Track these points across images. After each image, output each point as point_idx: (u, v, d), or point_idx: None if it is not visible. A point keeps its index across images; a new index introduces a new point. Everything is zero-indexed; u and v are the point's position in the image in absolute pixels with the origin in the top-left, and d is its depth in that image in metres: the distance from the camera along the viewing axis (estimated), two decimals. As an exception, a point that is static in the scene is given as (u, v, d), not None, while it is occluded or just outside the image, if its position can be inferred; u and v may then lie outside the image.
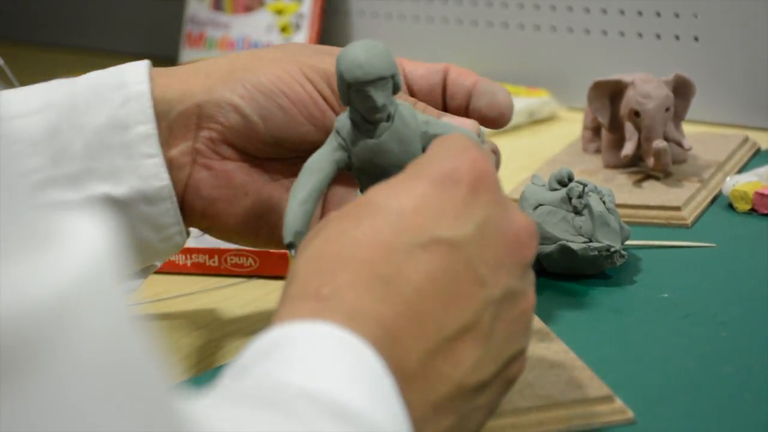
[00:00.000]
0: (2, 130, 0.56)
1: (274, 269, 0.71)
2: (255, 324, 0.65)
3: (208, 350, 0.62)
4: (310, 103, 0.57)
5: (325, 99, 0.57)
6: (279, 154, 0.58)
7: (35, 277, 0.25)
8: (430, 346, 0.40)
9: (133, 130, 0.56)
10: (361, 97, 0.51)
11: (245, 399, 0.35)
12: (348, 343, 0.38)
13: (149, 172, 0.56)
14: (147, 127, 0.56)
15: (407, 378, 0.39)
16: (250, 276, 0.72)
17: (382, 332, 0.39)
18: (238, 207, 0.59)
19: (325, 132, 0.55)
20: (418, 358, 0.39)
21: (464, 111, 0.60)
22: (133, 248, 0.58)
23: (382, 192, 0.43)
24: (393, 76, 0.52)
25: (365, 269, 0.40)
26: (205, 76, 0.58)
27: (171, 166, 0.57)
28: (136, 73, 0.57)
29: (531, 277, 0.44)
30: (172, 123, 0.57)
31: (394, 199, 0.42)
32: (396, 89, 0.52)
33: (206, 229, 0.60)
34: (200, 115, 0.57)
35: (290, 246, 0.52)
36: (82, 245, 0.27)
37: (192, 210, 0.58)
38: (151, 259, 0.59)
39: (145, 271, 0.60)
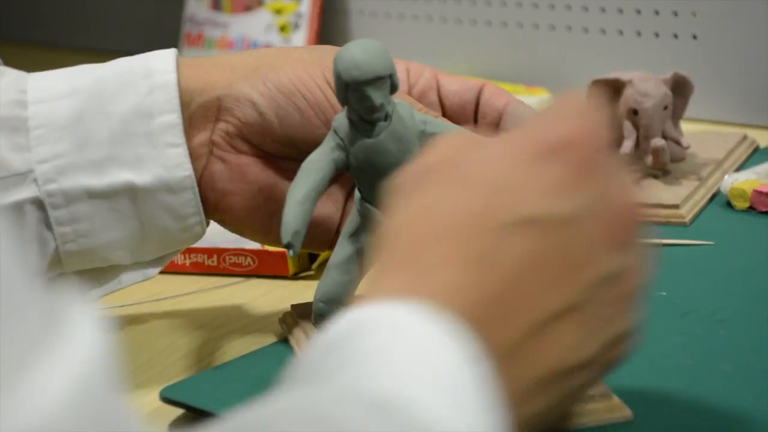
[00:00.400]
0: (30, 113, 0.57)
1: (272, 269, 0.71)
2: (254, 323, 0.65)
3: (207, 349, 0.62)
4: (327, 108, 0.57)
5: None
6: (293, 153, 0.58)
7: (29, 403, 0.26)
8: (531, 322, 0.38)
9: (159, 119, 0.57)
10: (358, 97, 0.51)
11: (310, 412, 0.34)
12: (440, 327, 0.36)
13: (173, 161, 0.57)
14: (172, 117, 0.57)
15: (505, 355, 0.38)
16: (248, 275, 0.72)
17: (483, 306, 0.38)
18: (250, 201, 0.59)
19: None
20: (520, 332, 0.38)
21: (495, 131, 0.59)
22: (153, 237, 0.58)
23: (481, 155, 0.41)
24: (391, 76, 0.52)
25: (459, 245, 0.39)
26: (230, 70, 0.58)
27: (189, 156, 0.57)
28: (163, 62, 0.57)
29: (636, 255, 0.42)
30: (193, 114, 0.58)
31: (491, 169, 0.40)
32: (394, 89, 0.52)
33: (219, 222, 0.61)
34: (220, 108, 0.58)
35: (289, 246, 0.52)
36: (79, 356, 0.27)
37: (205, 202, 0.59)
38: (170, 248, 0.60)
39: (163, 259, 0.61)
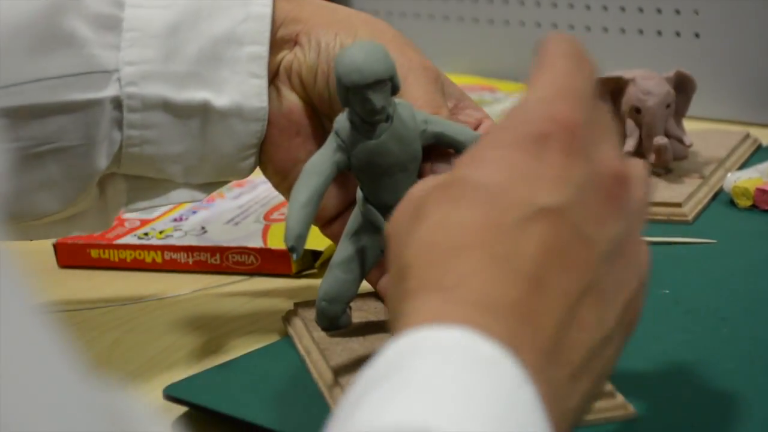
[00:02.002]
0: (126, 15, 0.59)
1: (275, 267, 0.71)
2: (257, 322, 0.65)
3: (210, 348, 0.62)
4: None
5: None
6: (331, 114, 0.59)
7: None
8: (561, 317, 0.38)
9: (248, 48, 0.59)
10: (359, 100, 0.51)
11: None
12: (478, 358, 0.36)
13: (252, 91, 0.59)
14: (260, 49, 0.59)
15: (546, 354, 0.38)
16: (251, 274, 0.72)
17: (517, 315, 0.37)
18: (286, 142, 0.61)
19: None
20: (553, 332, 0.38)
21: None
22: (212, 160, 0.60)
23: (470, 166, 0.41)
24: (392, 78, 0.52)
25: (481, 253, 0.39)
26: (319, 12, 0.60)
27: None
28: None
29: (631, 217, 0.42)
30: (272, 42, 0.59)
31: (487, 175, 0.40)
32: (395, 90, 0.52)
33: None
34: (295, 42, 0.60)
35: (292, 250, 0.52)
36: None
37: None
38: (223, 175, 0.61)
39: (212, 186, 0.62)
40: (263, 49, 0.59)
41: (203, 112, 0.58)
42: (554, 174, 0.40)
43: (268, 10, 0.59)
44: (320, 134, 0.60)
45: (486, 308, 0.37)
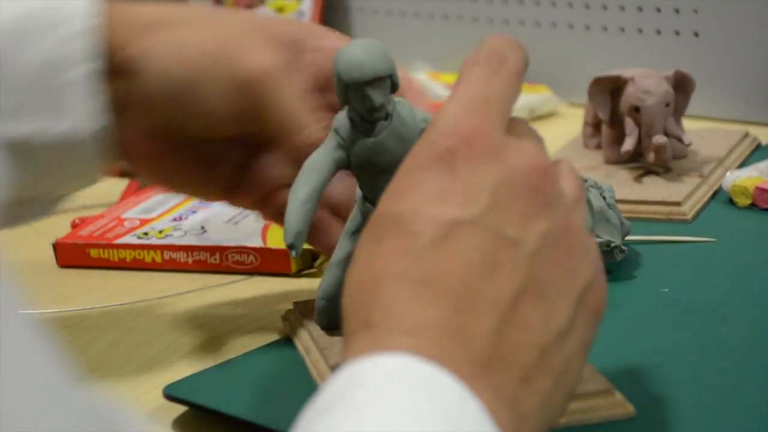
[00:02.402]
0: None
1: (275, 266, 0.71)
2: (257, 321, 0.65)
3: (210, 347, 0.62)
4: (219, 98, 0.57)
5: (238, 88, 0.57)
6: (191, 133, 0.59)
7: None
8: (494, 324, 0.38)
9: (79, 68, 0.56)
10: (359, 97, 0.51)
11: None
12: (420, 379, 0.36)
13: (88, 112, 0.56)
14: (93, 66, 0.56)
15: (485, 365, 0.38)
16: (251, 273, 0.72)
17: (443, 335, 0.38)
18: (156, 159, 0.59)
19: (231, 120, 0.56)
20: (488, 341, 0.38)
21: None
22: (49, 181, 0.58)
23: (387, 200, 0.42)
24: (391, 76, 0.52)
25: (402, 280, 0.39)
26: (154, 28, 0.57)
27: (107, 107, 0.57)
28: (88, 5, 0.56)
29: (563, 208, 0.42)
30: (110, 66, 0.57)
31: (401, 203, 0.41)
32: (394, 88, 0.53)
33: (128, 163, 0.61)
34: (135, 71, 0.57)
35: (291, 247, 0.52)
36: None
37: (113, 147, 0.59)
38: (61, 190, 0.60)
39: (56, 201, 0.61)
40: (96, 66, 0.55)
41: (36, 141, 0.56)
42: (463, 185, 0.40)
43: (96, 22, 0.56)
44: (186, 143, 0.59)
45: (414, 333, 0.37)
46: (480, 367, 0.38)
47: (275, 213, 0.61)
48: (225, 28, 0.58)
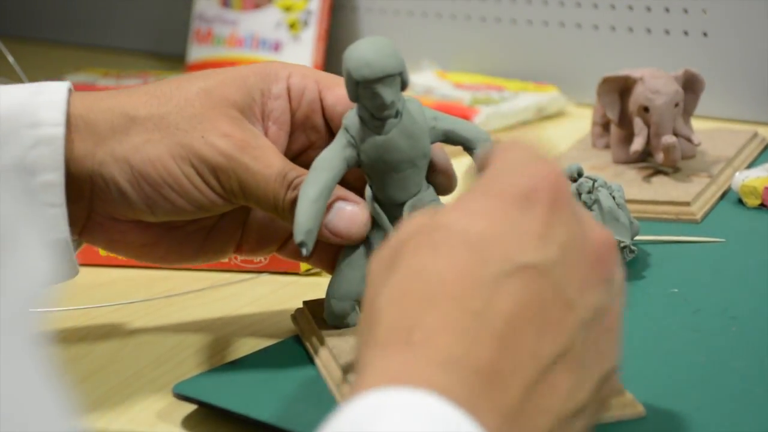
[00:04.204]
0: None
1: (284, 265, 0.71)
2: (266, 320, 0.65)
3: (218, 346, 0.62)
4: (195, 193, 0.55)
5: (206, 181, 0.55)
6: (170, 221, 0.58)
7: None
8: (529, 379, 0.38)
9: (40, 177, 0.54)
10: (369, 95, 0.51)
11: None
12: (443, 424, 0.35)
13: (48, 223, 0.54)
14: (54, 176, 0.54)
15: (510, 418, 0.37)
16: (260, 272, 0.72)
17: (482, 376, 0.37)
18: (134, 251, 0.59)
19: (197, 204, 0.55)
20: (518, 394, 0.37)
21: None
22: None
23: (455, 215, 0.40)
24: (401, 73, 0.52)
25: (455, 306, 0.38)
26: (103, 137, 0.55)
27: (71, 215, 0.55)
28: (53, 111, 0.54)
29: (615, 289, 0.42)
30: (71, 180, 0.55)
31: (471, 224, 0.39)
32: (404, 86, 0.52)
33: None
34: (92, 189, 0.56)
35: (302, 245, 0.52)
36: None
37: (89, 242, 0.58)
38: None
39: None
40: (57, 176, 0.54)
41: None
42: (539, 230, 0.39)
43: (60, 131, 0.54)
44: (166, 232, 0.58)
45: (451, 368, 0.37)
46: (506, 421, 0.37)
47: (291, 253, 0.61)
48: (180, 115, 0.55)
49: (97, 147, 0.55)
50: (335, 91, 0.57)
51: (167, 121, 0.55)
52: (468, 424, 0.35)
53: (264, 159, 0.54)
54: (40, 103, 0.55)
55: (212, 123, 0.55)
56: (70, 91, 0.56)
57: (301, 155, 0.58)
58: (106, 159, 0.55)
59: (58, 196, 0.54)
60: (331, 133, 0.58)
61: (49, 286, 0.29)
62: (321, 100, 0.57)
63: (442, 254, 0.39)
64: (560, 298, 0.39)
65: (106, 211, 0.57)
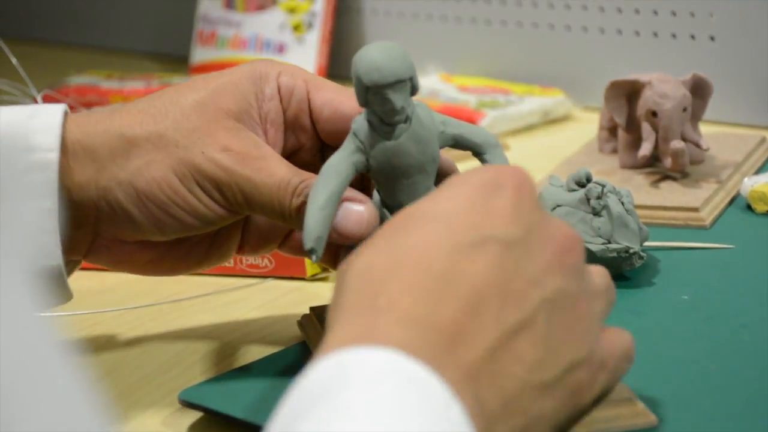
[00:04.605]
0: None
1: (290, 270, 0.71)
2: (272, 325, 0.64)
3: (225, 352, 0.62)
4: (201, 209, 0.55)
5: (211, 197, 0.55)
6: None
7: None
8: (491, 341, 0.39)
9: (32, 203, 0.53)
10: (379, 100, 0.51)
11: None
12: (406, 379, 0.37)
13: (42, 251, 0.54)
14: (48, 203, 0.53)
15: (473, 374, 0.39)
16: (266, 277, 0.71)
17: (441, 335, 0.39)
18: (140, 268, 0.59)
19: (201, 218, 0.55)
20: (480, 354, 0.39)
21: None
22: None
23: (427, 202, 0.43)
24: (411, 78, 0.51)
25: (419, 270, 0.40)
26: (105, 162, 0.55)
27: (71, 239, 0.55)
28: (48, 137, 0.54)
29: (587, 287, 0.44)
30: (74, 207, 0.55)
31: (441, 205, 0.42)
32: (414, 91, 0.52)
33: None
34: (97, 217, 0.55)
35: (311, 251, 0.51)
36: None
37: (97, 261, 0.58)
38: None
39: None
40: (50, 203, 0.53)
41: None
42: (507, 211, 0.42)
43: (54, 156, 0.53)
44: (172, 247, 0.58)
45: (413, 326, 0.38)
46: (468, 377, 0.38)
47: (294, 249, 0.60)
48: (178, 132, 0.54)
49: (99, 173, 0.55)
50: (323, 93, 0.57)
51: (166, 139, 0.54)
52: (434, 380, 0.37)
53: (266, 169, 0.54)
54: (35, 127, 0.54)
55: (211, 137, 0.54)
56: (65, 114, 0.55)
57: (291, 157, 0.57)
58: (110, 185, 0.54)
59: (51, 222, 0.53)
60: (317, 136, 0.57)
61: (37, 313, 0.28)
62: (309, 103, 0.57)
63: (410, 230, 0.41)
64: (523, 273, 0.41)
65: (112, 234, 0.56)
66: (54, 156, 0.53)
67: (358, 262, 0.41)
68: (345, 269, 0.42)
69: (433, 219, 0.42)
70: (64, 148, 0.54)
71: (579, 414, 0.43)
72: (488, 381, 0.39)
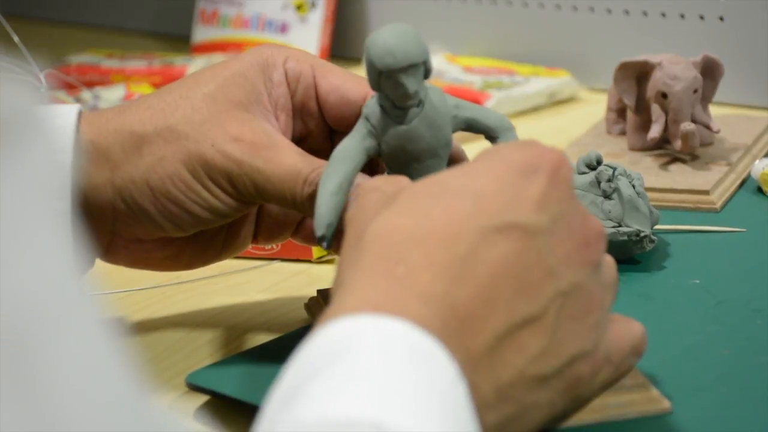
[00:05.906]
0: None
1: (296, 252, 0.70)
2: (278, 308, 0.64)
3: (232, 335, 0.61)
4: (213, 201, 0.54)
5: (223, 190, 0.54)
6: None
7: None
8: (499, 330, 0.40)
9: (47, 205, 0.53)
10: (392, 84, 0.50)
11: None
12: (419, 351, 0.37)
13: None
14: (61, 205, 0.52)
15: (474, 360, 0.39)
16: (271, 259, 0.71)
17: (454, 317, 0.39)
18: (156, 263, 0.59)
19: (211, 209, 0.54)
20: (486, 341, 0.39)
21: None
22: None
23: (457, 172, 0.43)
24: (425, 62, 0.50)
25: (441, 247, 0.40)
26: (119, 161, 0.55)
27: (88, 242, 0.55)
28: (61, 139, 0.53)
29: (601, 280, 0.44)
30: (92, 209, 0.55)
31: (472, 181, 0.42)
32: (427, 74, 0.51)
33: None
34: (115, 217, 0.55)
35: (322, 239, 0.50)
36: None
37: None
38: None
39: None
40: (64, 204, 0.52)
41: None
42: (536, 197, 0.42)
43: (68, 158, 0.53)
44: (190, 240, 0.57)
45: (429, 302, 0.39)
46: (470, 361, 0.39)
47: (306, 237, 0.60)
48: (188, 125, 0.54)
49: (114, 174, 0.55)
50: (329, 79, 0.56)
51: (177, 132, 0.54)
52: (443, 355, 0.37)
53: (276, 159, 0.53)
54: (50, 133, 0.53)
55: (221, 128, 0.54)
56: (79, 115, 0.55)
57: (300, 143, 0.57)
58: (125, 184, 0.54)
59: (65, 225, 0.53)
60: (326, 121, 0.57)
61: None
62: (315, 88, 0.56)
63: (438, 201, 0.41)
64: (543, 263, 0.41)
65: (130, 234, 0.56)
66: (68, 158, 0.53)
67: (380, 221, 0.41)
68: (365, 222, 0.41)
69: (462, 194, 0.41)
70: (79, 149, 0.54)
71: (577, 405, 0.43)
72: (486, 368, 0.39)
